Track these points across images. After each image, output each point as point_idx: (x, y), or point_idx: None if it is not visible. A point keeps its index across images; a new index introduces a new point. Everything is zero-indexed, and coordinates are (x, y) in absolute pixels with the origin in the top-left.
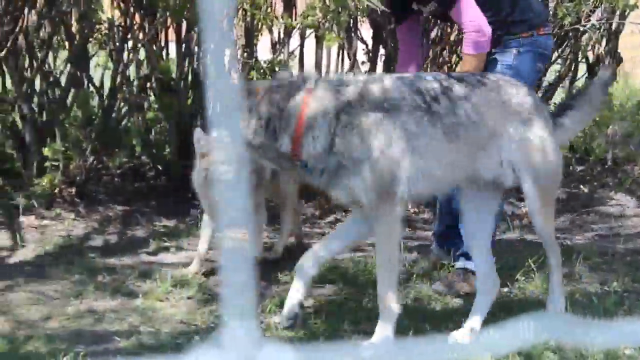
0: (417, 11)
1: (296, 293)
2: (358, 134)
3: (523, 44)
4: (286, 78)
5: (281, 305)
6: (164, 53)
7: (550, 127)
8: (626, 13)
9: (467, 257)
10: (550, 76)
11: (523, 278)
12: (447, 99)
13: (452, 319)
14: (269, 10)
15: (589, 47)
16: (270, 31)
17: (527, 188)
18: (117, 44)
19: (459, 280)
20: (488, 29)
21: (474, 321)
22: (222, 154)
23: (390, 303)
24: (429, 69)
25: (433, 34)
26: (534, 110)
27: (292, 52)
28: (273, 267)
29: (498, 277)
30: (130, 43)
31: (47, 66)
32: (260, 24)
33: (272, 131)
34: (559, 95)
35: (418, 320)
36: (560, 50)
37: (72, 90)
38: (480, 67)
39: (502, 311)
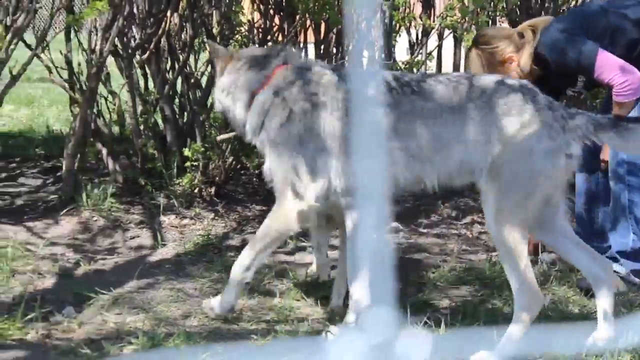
0: (575, 93)
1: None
2: (280, 118)
3: None
4: (264, 53)
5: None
6: (303, 54)
7: (542, 131)
8: None
9: (615, 260)
10: None
11: None
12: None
13: (590, 319)
14: (407, 10)
15: None
16: (409, 32)
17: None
18: (257, 45)
19: None
20: (637, 75)
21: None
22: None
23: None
24: None
25: None
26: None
27: (430, 53)
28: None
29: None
30: (269, 44)
31: (188, 68)
32: (398, 24)
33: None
34: None
35: (555, 321)
36: None
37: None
38: (630, 111)
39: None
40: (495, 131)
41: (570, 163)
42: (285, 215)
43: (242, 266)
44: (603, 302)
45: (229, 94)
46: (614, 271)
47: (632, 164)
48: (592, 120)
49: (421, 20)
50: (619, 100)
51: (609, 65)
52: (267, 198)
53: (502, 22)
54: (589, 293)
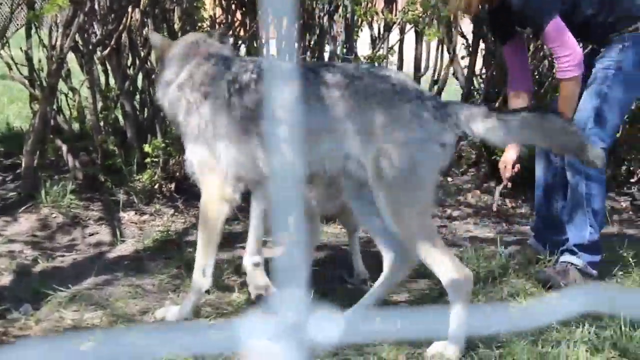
0: (519, 32)
1: None
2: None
3: (627, 39)
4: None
5: None
6: (264, 50)
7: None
8: None
9: (572, 252)
10: None
11: (621, 273)
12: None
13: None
14: (369, 5)
15: None
16: (370, 26)
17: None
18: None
19: (562, 274)
20: (578, 52)
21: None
22: None
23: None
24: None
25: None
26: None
27: (392, 47)
28: None
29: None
30: (231, 40)
31: (149, 64)
32: (360, 19)
33: None
34: None
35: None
36: None
37: None
38: (577, 90)
39: None
40: (366, 123)
41: (444, 152)
42: (210, 202)
43: (199, 269)
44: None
45: (159, 86)
46: (572, 263)
47: None
48: (464, 110)
49: (383, 14)
50: (559, 77)
51: (557, 34)
52: None
53: (464, 17)
54: (547, 285)
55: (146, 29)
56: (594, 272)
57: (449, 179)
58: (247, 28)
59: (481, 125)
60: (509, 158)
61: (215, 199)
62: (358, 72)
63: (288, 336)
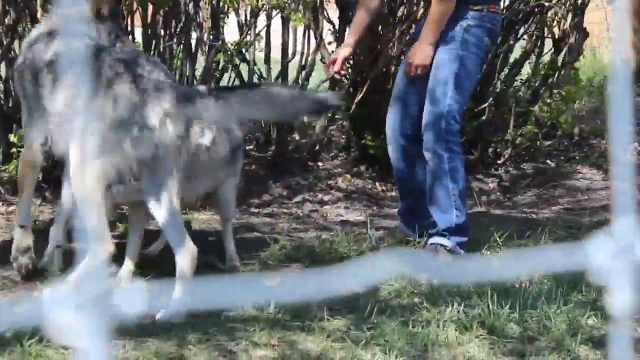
0: None
1: None
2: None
3: (473, 17)
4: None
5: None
6: (130, 38)
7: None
8: None
9: (441, 234)
10: (516, 53)
11: (488, 252)
12: None
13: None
14: None
15: (555, 23)
16: (237, 13)
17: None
18: None
19: (432, 254)
20: None
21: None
22: None
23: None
24: (395, 48)
25: (400, 13)
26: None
27: (259, 34)
28: None
29: None
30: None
31: (12, 53)
32: (226, 5)
33: None
34: (525, 71)
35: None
36: (526, 26)
37: None
38: (445, 15)
39: None
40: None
41: (150, 135)
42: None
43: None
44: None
45: None
46: (441, 244)
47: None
48: (177, 93)
49: (248, 1)
50: None
51: None
52: None
53: (329, 2)
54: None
55: (8, 17)
56: (462, 251)
57: (320, 163)
58: None
59: (199, 105)
60: (341, 54)
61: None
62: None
63: (90, 307)
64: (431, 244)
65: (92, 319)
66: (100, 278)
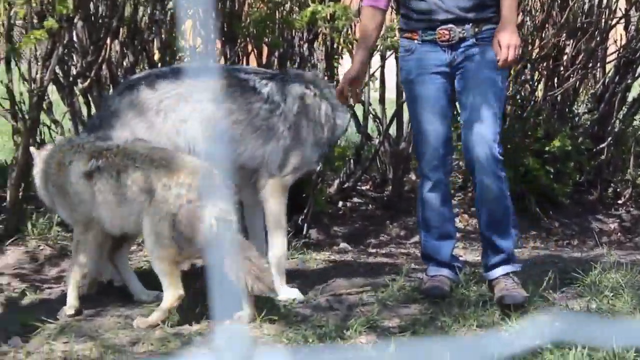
0: None
1: None
2: None
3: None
4: None
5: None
6: None
7: None
8: None
9: (506, 260)
10: (634, 91)
11: (611, 294)
12: None
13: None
14: (348, 32)
15: None
16: (351, 54)
17: None
18: None
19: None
20: None
21: None
22: None
23: None
24: None
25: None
26: None
27: (373, 74)
28: None
29: None
30: None
31: None
32: (340, 47)
33: None
34: None
35: None
36: None
37: None
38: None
39: None
40: None
41: None
42: None
43: None
44: None
45: None
46: (513, 272)
47: None
48: None
49: None
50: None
51: None
52: None
53: None
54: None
55: (126, 60)
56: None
57: None
58: (228, 57)
59: None
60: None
61: None
62: None
63: None
64: (504, 274)
65: None
66: (243, 340)
